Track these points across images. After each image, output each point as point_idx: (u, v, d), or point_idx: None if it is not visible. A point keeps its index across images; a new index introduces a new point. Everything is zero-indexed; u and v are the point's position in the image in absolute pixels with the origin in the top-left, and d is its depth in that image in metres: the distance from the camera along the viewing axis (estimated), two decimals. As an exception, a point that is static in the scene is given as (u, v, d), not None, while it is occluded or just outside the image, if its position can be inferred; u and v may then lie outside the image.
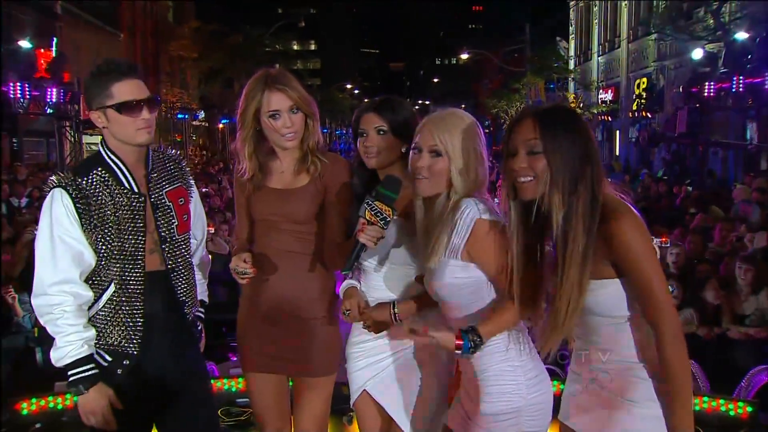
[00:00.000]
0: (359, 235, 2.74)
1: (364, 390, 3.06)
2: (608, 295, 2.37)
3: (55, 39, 23.19)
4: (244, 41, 34.86)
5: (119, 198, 2.86)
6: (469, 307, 2.64)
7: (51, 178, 2.90)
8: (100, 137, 3.00)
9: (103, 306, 2.88)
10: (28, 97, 19.08)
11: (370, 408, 3.08)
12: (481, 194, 2.66)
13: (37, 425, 5.09)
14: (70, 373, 2.80)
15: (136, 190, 2.91)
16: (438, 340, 2.55)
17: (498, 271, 2.56)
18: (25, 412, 5.13)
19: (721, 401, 5.10)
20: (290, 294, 3.10)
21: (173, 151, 3.26)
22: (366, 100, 3.20)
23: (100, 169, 2.88)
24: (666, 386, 2.33)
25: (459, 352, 2.51)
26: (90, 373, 2.80)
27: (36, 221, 8.98)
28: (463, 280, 2.60)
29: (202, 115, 38.11)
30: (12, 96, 18.76)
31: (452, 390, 2.94)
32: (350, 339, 3.15)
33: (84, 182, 2.84)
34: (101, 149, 2.95)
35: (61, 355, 2.79)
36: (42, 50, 21.22)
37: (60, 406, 5.15)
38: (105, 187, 2.86)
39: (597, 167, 2.37)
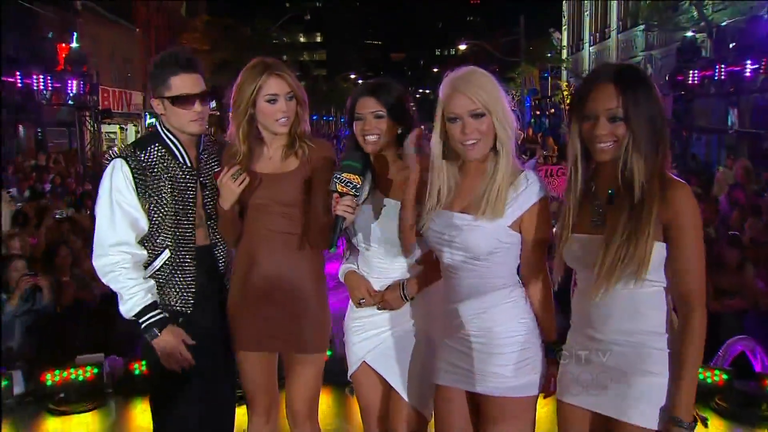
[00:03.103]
0: (335, 209, 2.73)
1: (363, 362, 3.03)
2: (656, 257, 2.29)
3: (74, 34, 23.19)
4: (253, 34, 34.75)
5: (175, 171, 2.96)
6: (496, 267, 2.58)
7: (112, 149, 3.05)
8: (146, 121, 3.08)
9: (159, 269, 2.95)
10: (50, 88, 19.08)
11: (369, 378, 3.05)
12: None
13: (61, 395, 5.19)
14: (141, 321, 2.87)
15: (189, 165, 3.00)
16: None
17: (536, 242, 2.57)
18: (49, 383, 5.23)
19: (700, 369, 5.15)
20: (281, 273, 3.03)
21: (221, 136, 3.26)
22: (359, 83, 3.11)
23: (157, 144, 2.97)
24: (682, 355, 2.26)
25: None
26: (160, 317, 2.88)
27: (57, 207, 9.06)
28: (502, 244, 2.55)
29: (212, 104, 38.03)
30: (35, 88, 18.78)
31: None
32: (350, 314, 3.09)
33: (143, 155, 2.93)
34: (159, 128, 3.04)
35: (130, 306, 2.87)
36: (63, 44, 21.23)
37: (81, 378, 5.24)
38: (162, 161, 2.94)
39: (668, 137, 2.35)
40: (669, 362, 2.32)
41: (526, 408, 2.60)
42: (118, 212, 2.89)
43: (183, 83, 2.90)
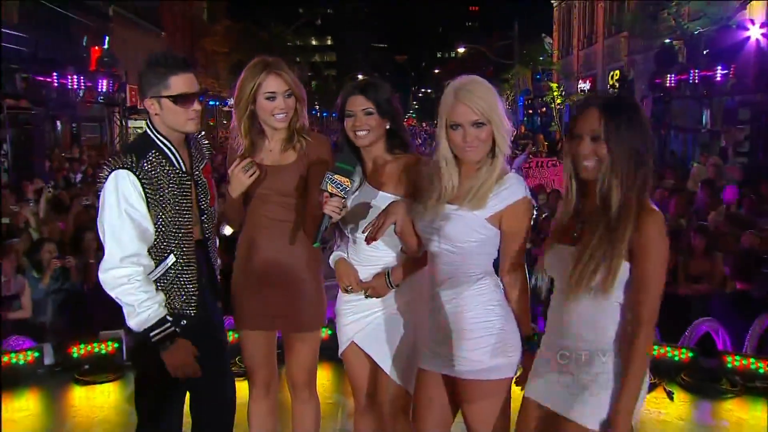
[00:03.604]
0: (324, 207, 2.70)
1: (352, 341, 3.00)
2: (620, 275, 2.27)
3: (106, 37, 23.22)
4: (268, 37, 34.69)
5: (173, 177, 2.74)
6: (471, 257, 2.56)
7: (110, 160, 2.71)
8: (145, 121, 2.87)
9: (164, 274, 2.74)
10: (83, 87, 19.15)
11: (358, 357, 3.02)
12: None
13: (85, 366, 5.25)
14: (152, 334, 2.64)
15: (185, 169, 2.79)
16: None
17: (520, 240, 2.55)
18: (75, 355, 5.30)
19: (668, 348, 5.21)
20: (279, 258, 3.00)
21: None
22: (350, 83, 3.02)
23: (153, 151, 2.73)
24: (625, 368, 2.27)
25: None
26: (171, 330, 2.67)
27: (86, 194, 9.04)
28: (478, 235, 2.52)
29: (231, 101, 38.17)
30: (70, 87, 18.87)
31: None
32: (340, 297, 3.05)
33: (145, 164, 2.68)
34: (150, 132, 2.79)
35: (143, 319, 2.63)
36: (96, 47, 21.29)
37: (104, 351, 5.30)
38: (161, 168, 2.71)
39: (651, 164, 2.29)
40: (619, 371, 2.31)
41: (497, 389, 2.58)
42: (129, 224, 2.63)
43: (183, 82, 2.72)
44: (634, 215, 2.25)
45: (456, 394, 2.64)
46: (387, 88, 2.91)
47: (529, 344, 2.62)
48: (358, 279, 2.94)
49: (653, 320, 2.27)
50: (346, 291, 2.98)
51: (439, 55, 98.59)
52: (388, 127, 2.87)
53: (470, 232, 2.53)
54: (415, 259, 2.83)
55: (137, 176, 2.65)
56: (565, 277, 2.34)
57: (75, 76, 18.84)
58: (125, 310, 2.67)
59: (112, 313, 5.87)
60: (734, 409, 4.78)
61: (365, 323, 2.97)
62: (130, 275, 2.63)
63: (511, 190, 2.51)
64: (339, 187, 2.69)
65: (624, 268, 2.27)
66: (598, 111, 2.28)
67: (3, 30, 16.88)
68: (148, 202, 2.67)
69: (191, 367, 2.72)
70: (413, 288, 2.88)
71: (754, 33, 14.85)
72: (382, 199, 2.86)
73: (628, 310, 2.31)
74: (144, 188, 2.66)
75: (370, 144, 2.88)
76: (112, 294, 2.67)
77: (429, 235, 2.63)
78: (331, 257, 3.05)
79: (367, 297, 2.93)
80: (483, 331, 2.55)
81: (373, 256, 2.93)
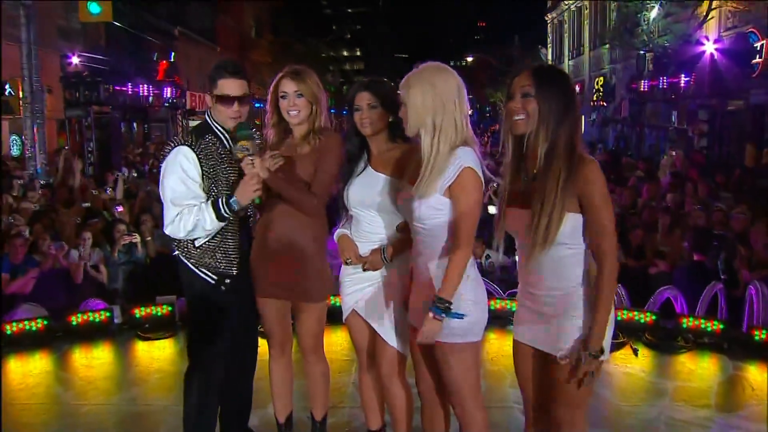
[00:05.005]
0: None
1: (353, 309, 2.94)
2: (571, 225, 2.21)
3: (172, 53, 23.35)
4: (306, 49, 34.61)
5: (225, 157, 2.81)
6: (440, 233, 2.44)
7: (174, 139, 2.87)
8: (206, 112, 2.97)
9: (214, 236, 2.82)
10: (152, 94, 19.36)
11: (358, 323, 2.95)
12: (471, 145, 2.44)
13: (146, 325, 5.32)
14: (227, 215, 2.76)
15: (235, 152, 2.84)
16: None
17: (463, 211, 2.38)
18: (138, 316, 5.35)
19: (635, 312, 5.17)
20: (290, 236, 2.92)
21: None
22: (357, 81, 2.94)
23: (210, 135, 2.82)
24: (596, 299, 2.23)
25: (440, 320, 2.38)
26: (223, 201, 2.74)
27: (149, 183, 9.05)
28: (441, 212, 2.41)
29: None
30: (141, 94, 19.10)
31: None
32: (343, 270, 2.96)
33: (201, 144, 2.78)
34: (208, 120, 2.89)
35: (211, 220, 2.75)
36: (164, 61, 21.44)
37: (160, 313, 5.36)
38: (215, 149, 2.80)
39: (576, 120, 2.24)
40: (587, 307, 2.28)
41: (464, 350, 2.49)
42: (184, 189, 2.74)
43: (227, 86, 2.79)
44: (564, 164, 2.17)
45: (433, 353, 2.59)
46: (389, 86, 2.83)
47: (434, 307, 2.39)
48: (358, 253, 2.86)
49: (614, 253, 2.22)
50: (347, 263, 2.91)
51: (451, 63, 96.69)
52: (390, 119, 2.79)
53: (433, 211, 2.42)
54: (408, 238, 2.73)
55: (195, 152, 2.76)
56: (524, 236, 2.28)
57: (145, 86, 19.06)
58: (198, 232, 2.75)
59: (167, 282, 6.01)
60: (687, 362, 4.76)
61: (364, 293, 2.89)
62: (179, 218, 2.74)
63: (454, 166, 2.38)
64: (243, 150, 2.74)
65: (572, 219, 2.21)
66: (529, 72, 2.25)
67: (91, 54, 17.17)
68: (203, 175, 2.78)
69: (253, 183, 2.72)
70: (408, 262, 2.78)
71: (709, 48, 14.99)
72: (380, 180, 2.80)
73: (590, 253, 2.25)
74: (200, 162, 2.77)
75: (374, 134, 2.81)
76: (183, 236, 2.78)
77: (408, 214, 2.57)
78: (335, 233, 2.98)
79: (364, 270, 2.86)
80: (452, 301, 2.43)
81: (371, 233, 2.85)
